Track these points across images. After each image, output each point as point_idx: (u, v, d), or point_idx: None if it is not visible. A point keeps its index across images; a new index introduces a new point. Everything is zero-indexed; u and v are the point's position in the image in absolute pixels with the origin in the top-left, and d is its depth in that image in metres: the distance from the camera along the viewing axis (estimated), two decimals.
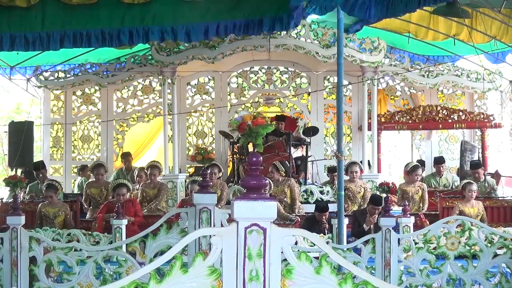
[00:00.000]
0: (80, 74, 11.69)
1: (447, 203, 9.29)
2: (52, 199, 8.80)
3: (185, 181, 10.31)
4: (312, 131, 10.85)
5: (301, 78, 12.39)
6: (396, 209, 8.61)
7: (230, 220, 4.78)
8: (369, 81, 10.91)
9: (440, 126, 11.54)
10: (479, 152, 11.36)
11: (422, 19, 10.72)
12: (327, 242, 6.41)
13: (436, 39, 11.37)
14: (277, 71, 12.42)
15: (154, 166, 9.77)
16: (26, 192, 10.33)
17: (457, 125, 11.44)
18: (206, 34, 6.61)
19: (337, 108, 7.01)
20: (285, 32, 9.88)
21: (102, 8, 6.52)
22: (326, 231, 7.91)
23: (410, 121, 11.43)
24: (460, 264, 5.47)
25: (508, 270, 5.45)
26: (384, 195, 9.15)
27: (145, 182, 9.82)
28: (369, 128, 11.09)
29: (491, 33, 9.93)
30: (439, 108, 11.48)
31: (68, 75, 11.76)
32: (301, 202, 9.68)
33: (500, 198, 9.74)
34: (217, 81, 12.33)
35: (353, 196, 9.60)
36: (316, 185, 10.49)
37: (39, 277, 5.02)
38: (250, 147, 10.69)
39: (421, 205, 9.48)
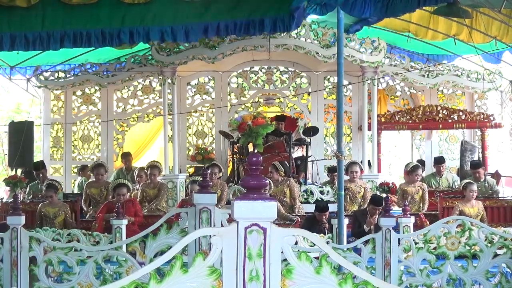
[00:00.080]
0: (80, 74, 11.68)
1: (447, 203, 9.29)
2: (52, 199, 8.80)
3: (185, 181, 10.30)
4: (312, 131, 10.85)
5: (301, 78, 12.38)
6: (396, 209, 8.61)
7: (230, 220, 4.77)
8: (369, 81, 10.90)
9: (440, 126, 11.53)
10: (479, 152, 11.36)
11: (422, 19, 10.72)
12: (327, 242, 6.41)
13: (435, 39, 11.36)
14: (277, 71, 12.40)
15: (154, 166, 9.77)
16: (26, 192, 10.33)
17: (457, 125, 11.44)
18: (206, 34, 6.62)
19: (337, 108, 7.02)
20: (285, 32, 9.88)
21: (102, 8, 6.53)
22: (326, 231, 7.91)
23: (410, 121, 11.42)
24: (460, 264, 5.47)
25: (508, 270, 5.45)
26: (384, 195, 9.15)
27: (145, 182, 9.82)
28: (369, 128, 11.08)
29: (491, 33, 9.93)
30: (439, 108, 11.47)
31: (68, 75, 11.75)
32: (301, 202, 9.69)
33: (500, 198, 9.74)
34: (217, 81, 12.31)
35: (353, 196, 9.60)
36: (316, 185, 10.49)
37: (39, 277, 5.02)
38: (250, 147, 10.69)
39: (421, 205, 9.48)
